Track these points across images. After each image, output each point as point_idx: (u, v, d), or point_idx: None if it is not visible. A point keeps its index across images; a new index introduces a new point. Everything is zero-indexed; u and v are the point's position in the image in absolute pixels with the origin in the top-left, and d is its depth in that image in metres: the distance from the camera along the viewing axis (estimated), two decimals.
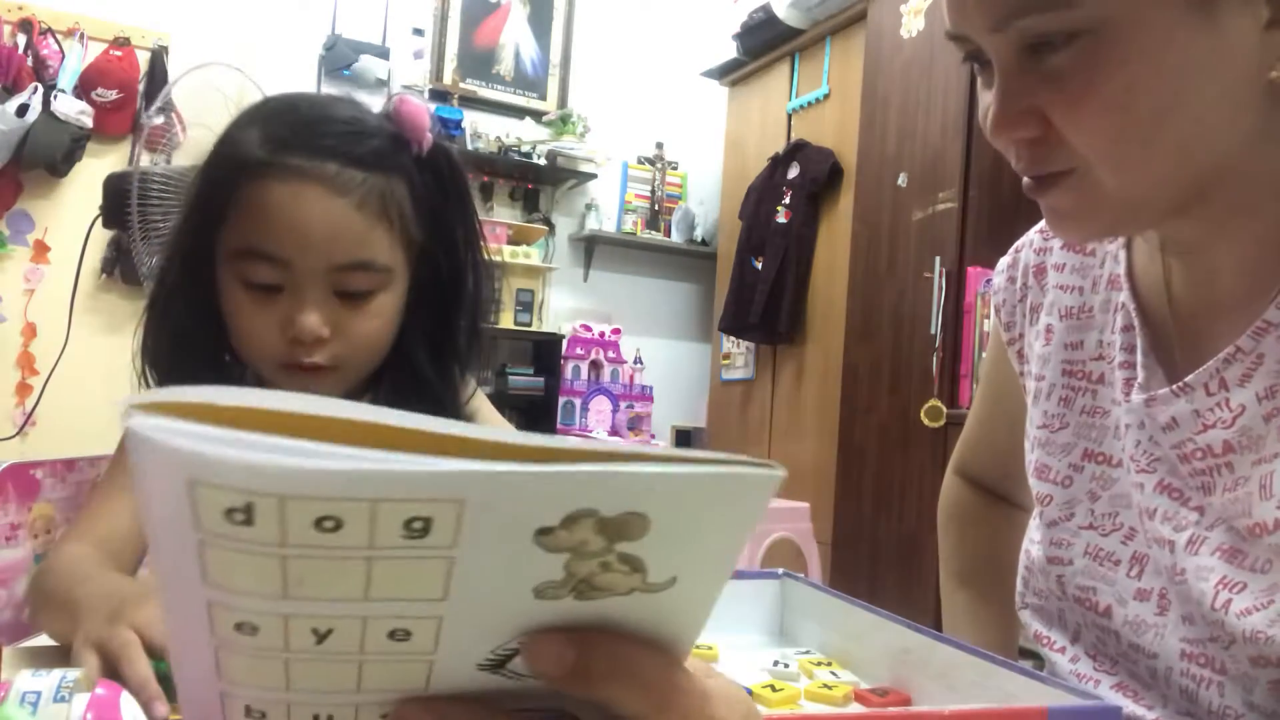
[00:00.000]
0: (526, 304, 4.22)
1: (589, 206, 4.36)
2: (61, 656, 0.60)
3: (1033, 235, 0.78)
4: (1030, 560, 0.72)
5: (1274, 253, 0.57)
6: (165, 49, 3.62)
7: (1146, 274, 0.67)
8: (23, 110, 3.28)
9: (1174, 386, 0.60)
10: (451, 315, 0.83)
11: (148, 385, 0.79)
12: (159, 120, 3.35)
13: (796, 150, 3.45)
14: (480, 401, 0.89)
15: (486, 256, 0.84)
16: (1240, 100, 0.53)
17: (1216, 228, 0.59)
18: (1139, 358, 0.65)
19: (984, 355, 0.87)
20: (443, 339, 0.83)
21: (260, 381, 0.81)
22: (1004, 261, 0.80)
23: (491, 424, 0.89)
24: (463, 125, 4.02)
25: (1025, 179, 0.59)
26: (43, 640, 0.66)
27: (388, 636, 0.27)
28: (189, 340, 0.79)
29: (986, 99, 0.59)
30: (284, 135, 0.74)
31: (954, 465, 0.94)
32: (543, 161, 4.13)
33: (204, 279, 0.77)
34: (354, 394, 0.83)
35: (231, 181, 0.74)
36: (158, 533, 0.25)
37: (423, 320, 0.82)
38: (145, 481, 0.23)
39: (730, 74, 3.98)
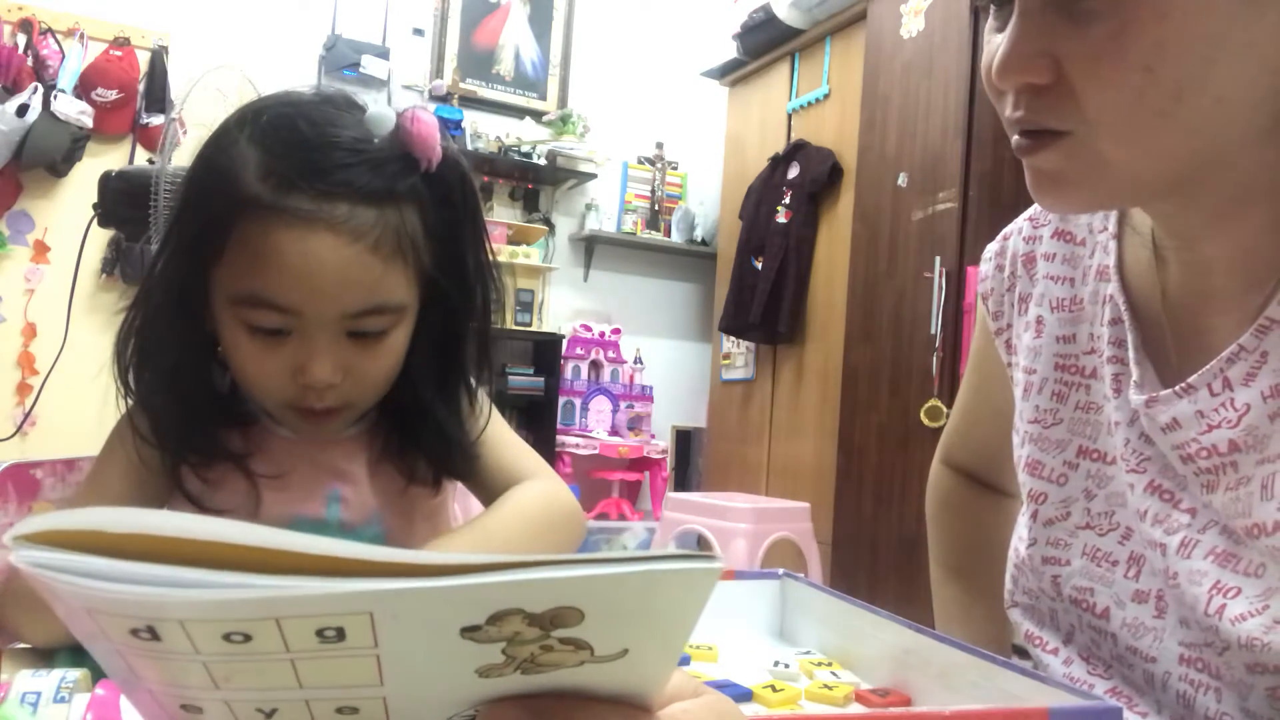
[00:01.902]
0: (526, 304, 4.22)
1: (589, 206, 4.37)
2: (61, 657, 0.60)
3: (1022, 222, 0.76)
4: (1020, 559, 0.71)
5: (1269, 247, 0.56)
6: (165, 49, 3.62)
7: (1137, 266, 0.65)
8: (23, 110, 3.28)
9: (1176, 387, 0.58)
10: (458, 338, 0.78)
11: (136, 430, 0.74)
12: (161, 120, 3.35)
13: (796, 150, 3.45)
14: (495, 429, 0.84)
15: (496, 271, 0.79)
16: (1262, 91, 0.51)
17: (1212, 220, 0.57)
18: (1130, 354, 0.63)
19: (971, 343, 0.85)
20: (449, 364, 0.78)
21: (264, 413, 0.77)
22: (992, 248, 0.78)
23: (504, 458, 0.83)
24: (463, 125, 4.02)
25: (1016, 137, 0.55)
26: None
27: (336, 712, 0.26)
28: (182, 376, 0.74)
29: (995, 42, 0.55)
30: (286, 170, 0.67)
31: (941, 454, 0.92)
32: (543, 161, 4.14)
33: (194, 311, 0.72)
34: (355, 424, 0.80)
35: (228, 219, 0.67)
36: (77, 633, 0.25)
37: (428, 345, 0.77)
38: (48, 596, 0.23)
39: (730, 74, 3.98)
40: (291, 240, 0.66)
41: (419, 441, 0.79)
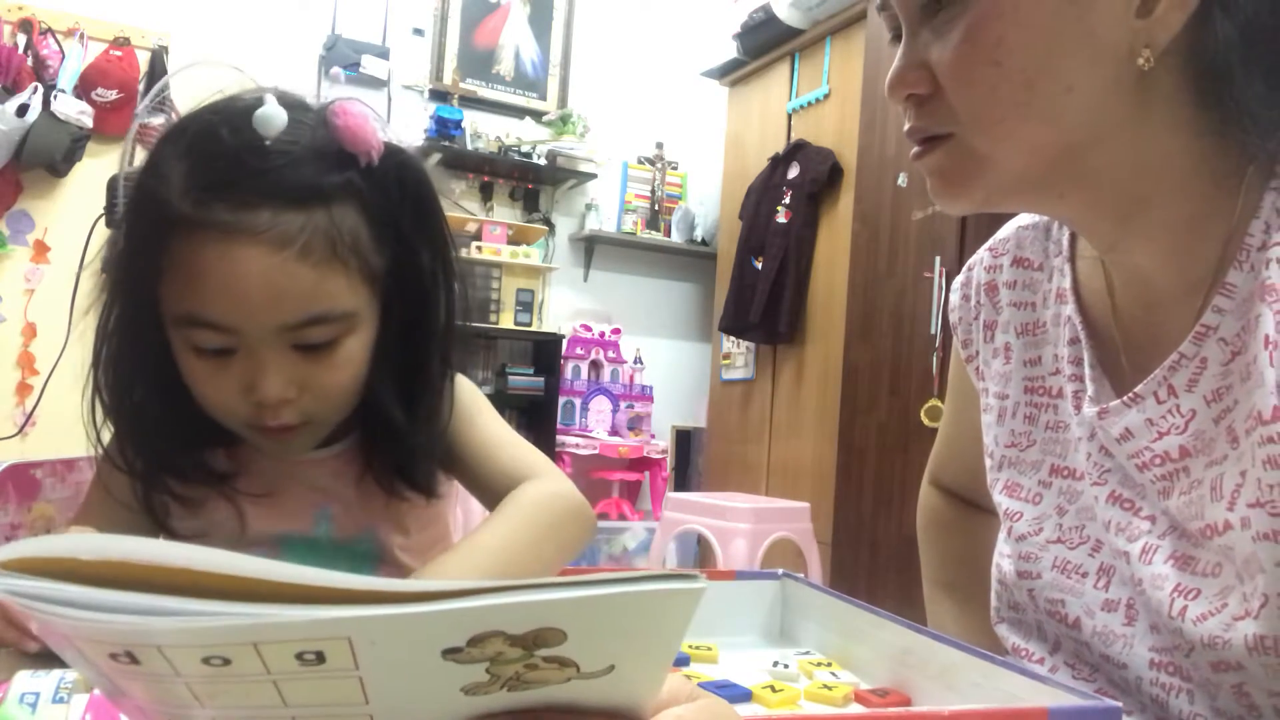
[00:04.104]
0: (526, 304, 4.22)
1: (589, 206, 4.36)
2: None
3: (983, 253, 0.79)
4: (1002, 574, 0.72)
5: (1193, 251, 0.58)
6: (165, 49, 3.61)
7: (1090, 285, 0.68)
8: (23, 110, 3.27)
9: (1125, 397, 0.60)
10: (422, 344, 0.74)
11: (114, 464, 0.73)
12: (159, 120, 3.34)
13: (796, 150, 3.45)
14: (492, 429, 0.81)
15: (457, 270, 0.75)
16: (1111, 79, 0.54)
17: (1122, 222, 0.59)
18: (1086, 370, 0.65)
19: (950, 369, 0.87)
20: (412, 372, 0.74)
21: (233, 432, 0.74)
22: (958, 280, 0.81)
23: (503, 459, 0.79)
24: (463, 125, 4.02)
25: (914, 148, 0.61)
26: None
27: None
28: (153, 400, 0.71)
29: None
30: (207, 181, 0.64)
31: (928, 475, 0.95)
32: (543, 161, 4.13)
33: (153, 325, 0.69)
34: (327, 441, 0.77)
35: (158, 237, 0.64)
36: (59, 653, 0.25)
37: (390, 352, 0.73)
38: (27, 618, 0.24)
39: (730, 74, 3.98)
40: (215, 256, 0.63)
41: (385, 454, 0.76)
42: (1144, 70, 0.53)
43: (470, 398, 0.81)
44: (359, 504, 0.78)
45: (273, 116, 0.64)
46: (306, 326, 0.66)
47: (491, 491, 0.78)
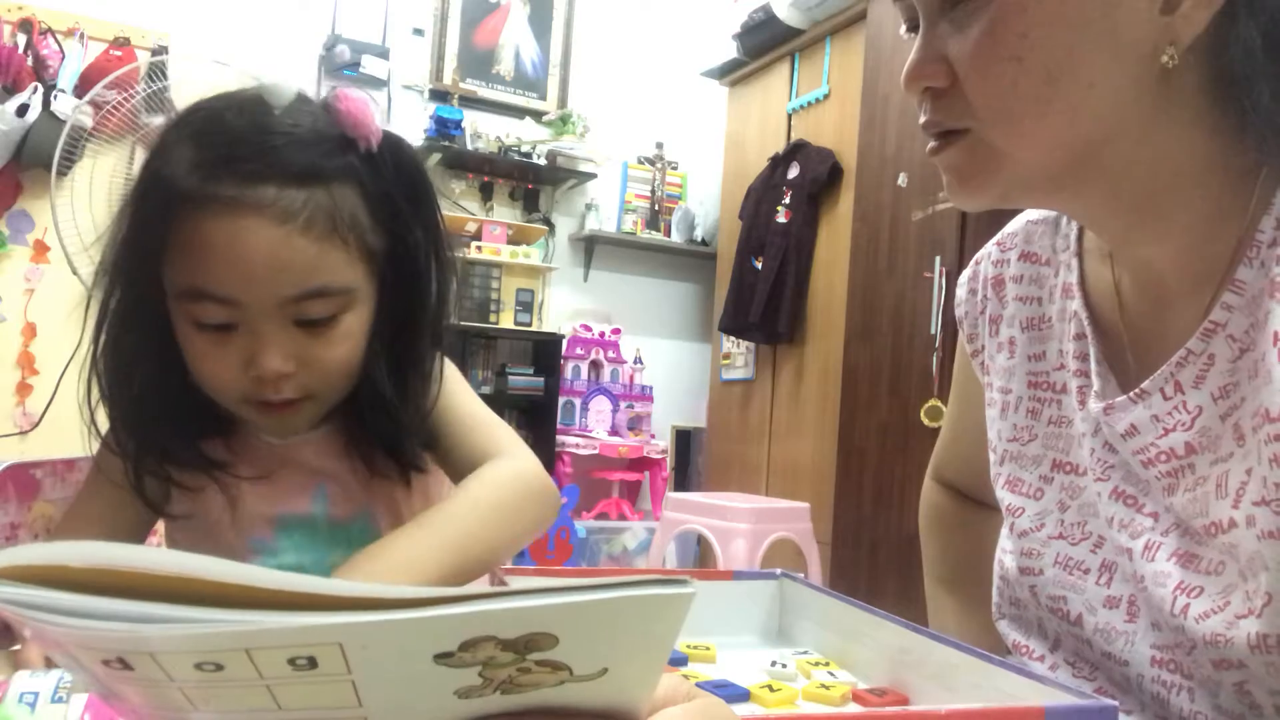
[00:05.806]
0: (526, 304, 4.22)
1: (589, 206, 4.36)
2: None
3: (990, 248, 0.78)
4: (1004, 570, 0.72)
5: (1205, 249, 0.58)
6: (165, 49, 3.61)
7: (1098, 281, 0.67)
8: (23, 110, 3.27)
9: (1131, 393, 0.60)
10: (413, 323, 0.76)
11: (111, 449, 0.73)
12: (159, 119, 3.34)
13: (796, 150, 3.45)
14: (460, 405, 0.82)
15: (449, 254, 0.77)
16: (1133, 75, 0.54)
17: (1135, 218, 0.59)
18: (1092, 366, 0.65)
19: (955, 365, 0.87)
20: (404, 350, 0.76)
21: (231, 414, 0.75)
22: (965, 274, 0.81)
23: (471, 435, 0.80)
24: (463, 125, 4.02)
25: (930, 144, 0.61)
26: None
27: None
28: (150, 378, 0.72)
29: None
30: (213, 159, 0.66)
31: (931, 471, 0.94)
32: (543, 161, 4.13)
33: (155, 310, 0.70)
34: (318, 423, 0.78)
35: (164, 215, 0.66)
36: (53, 656, 0.25)
37: (383, 331, 0.75)
38: (18, 623, 0.23)
39: (730, 74, 3.98)
40: (220, 228, 0.65)
41: (375, 430, 0.77)
42: (1166, 68, 0.53)
43: (448, 375, 0.82)
44: (354, 482, 0.79)
45: (282, 86, 0.68)
46: (307, 300, 0.68)
47: (458, 467, 0.79)
